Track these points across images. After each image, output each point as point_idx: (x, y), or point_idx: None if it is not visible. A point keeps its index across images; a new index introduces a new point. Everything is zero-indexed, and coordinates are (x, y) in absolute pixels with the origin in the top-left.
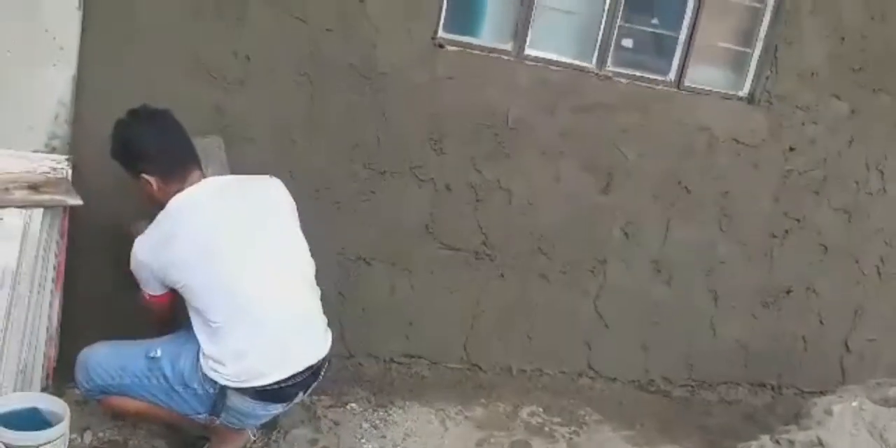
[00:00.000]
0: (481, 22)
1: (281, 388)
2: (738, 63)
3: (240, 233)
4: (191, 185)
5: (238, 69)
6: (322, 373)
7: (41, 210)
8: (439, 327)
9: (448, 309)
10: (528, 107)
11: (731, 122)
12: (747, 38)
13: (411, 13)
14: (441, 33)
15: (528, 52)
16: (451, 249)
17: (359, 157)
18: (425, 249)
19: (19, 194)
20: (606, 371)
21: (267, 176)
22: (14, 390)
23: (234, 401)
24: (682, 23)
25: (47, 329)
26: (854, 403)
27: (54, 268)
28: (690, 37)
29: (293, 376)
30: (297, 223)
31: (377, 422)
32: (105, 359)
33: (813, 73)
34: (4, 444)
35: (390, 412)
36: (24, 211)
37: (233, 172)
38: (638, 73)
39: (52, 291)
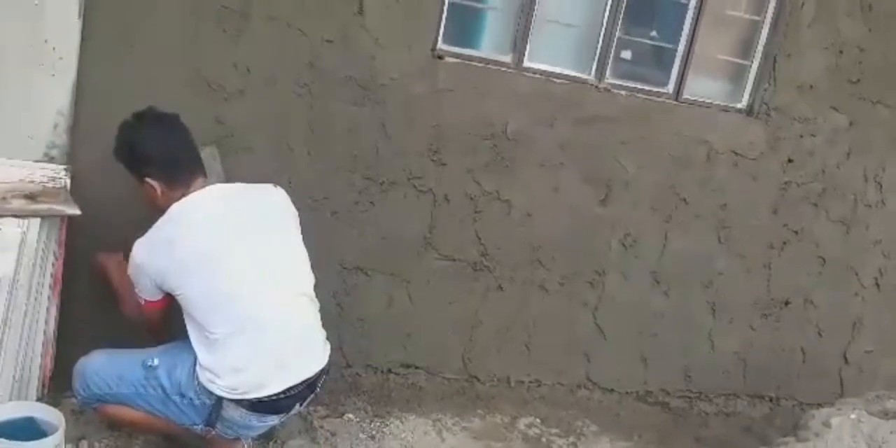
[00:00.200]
0: (481, 34)
1: (277, 400)
2: (736, 75)
3: (241, 242)
4: (195, 191)
5: (238, 80)
6: (319, 385)
7: (38, 219)
8: (437, 338)
9: (446, 320)
10: (527, 118)
11: (729, 135)
12: (746, 50)
13: (411, 25)
14: (440, 45)
15: (528, 64)
16: (449, 260)
17: (358, 167)
18: (424, 260)
19: (17, 204)
20: (605, 382)
21: (270, 184)
22: (10, 399)
23: (231, 412)
24: (680, 35)
25: (44, 338)
26: (852, 416)
27: (51, 277)
28: (689, 49)
29: (290, 389)
30: (299, 233)
31: (374, 432)
32: (102, 367)
33: (811, 86)
34: None
35: (387, 423)
36: (21, 220)
37: (230, 182)
38: (637, 86)
39: (49, 300)
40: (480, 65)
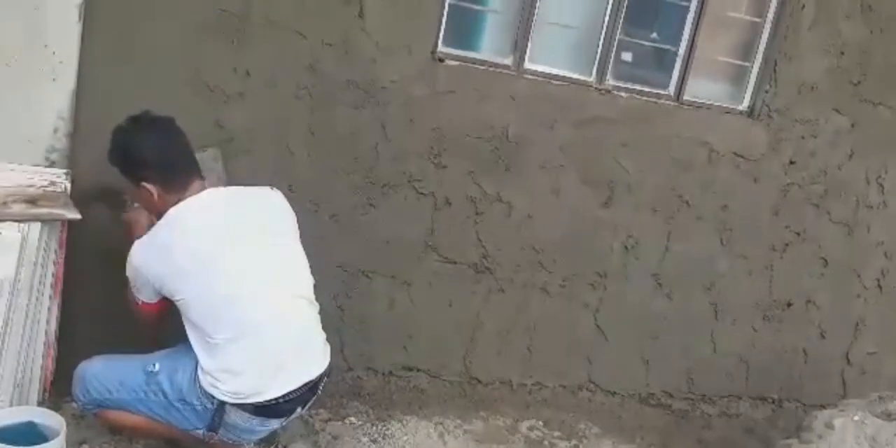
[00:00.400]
0: (481, 36)
1: (279, 403)
2: (737, 77)
3: (238, 246)
4: (192, 194)
5: (238, 83)
6: (320, 388)
7: (39, 224)
8: (439, 341)
9: (448, 322)
10: (527, 121)
11: (730, 136)
12: (747, 52)
13: (411, 27)
14: (441, 47)
15: (528, 66)
16: (450, 263)
17: (358, 170)
18: (425, 263)
19: (17, 208)
20: (607, 384)
21: (268, 187)
22: (11, 404)
23: (233, 416)
24: (681, 37)
25: (45, 342)
26: (856, 417)
27: (52, 281)
28: (690, 51)
29: (291, 392)
30: (298, 236)
31: (376, 435)
32: (102, 373)
33: (812, 87)
34: None
35: (389, 426)
36: (21, 225)
37: (230, 185)
38: (638, 87)
39: (49, 305)
40: (481, 67)
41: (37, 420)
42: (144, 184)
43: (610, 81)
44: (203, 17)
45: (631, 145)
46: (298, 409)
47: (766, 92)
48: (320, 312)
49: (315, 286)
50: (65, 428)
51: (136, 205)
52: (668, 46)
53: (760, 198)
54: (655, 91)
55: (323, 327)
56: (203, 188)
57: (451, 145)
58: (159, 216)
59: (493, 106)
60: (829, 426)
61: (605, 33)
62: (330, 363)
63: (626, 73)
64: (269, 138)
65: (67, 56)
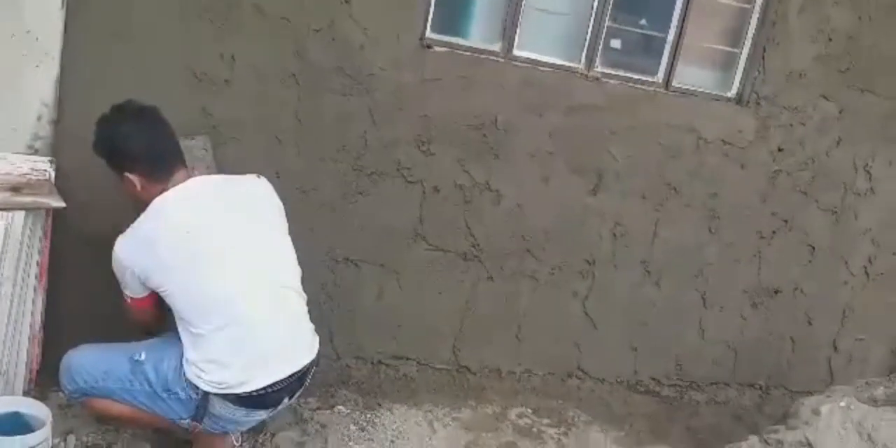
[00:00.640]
0: (469, 23)
1: (265, 394)
2: (726, 64)
3: (224, 236)
4: (175, 184)
5: (224, 70)
6: (308, 379)
7: (23, 212)
8: (428, 329)
9: (436, 310)
10: (516, 108)
11: (719, 123)
12: (735, 38)
13: (399, 14)
14: (429, 34)
15: (517, 52)
16: (439, 251)
17: (346, 158)
18: (414, 251)
19: (1, 196)
20: (595, 372)
21: (254, 175)
22: None
23: (217, 407)
24: (670, 23)
25: (30, 332)
26: (842, 403)
27: (37, 270)
28: (679, 37)
29: (277, 383)
30: (285, 225)
31: (365, 424)
32: (89, 361)
33: (801, 74)
34: None
35: (378, 414)
36: (5, 213)
37: (219, 173)
38: (626, 74)
39: (35, 294)
40: (469, 54)
41: (22, 410)
42: (128, 174)
43: (599, 68)
44: (189, 3)
45: (619, 132)
46: (286, 400)
47: (755, 79)
48: (308, 302)
49: (303, 276)
50: (51, 418)
51: None
52: (656, 33)
53: (748, 185)
54: (644, 78)
55: (311, 316)
56: (188, 177)
57: (439, 133)
58: (144, 206)
59: (482, 93)
60: (816, 412)
61: (594, 20)
62: (318, 354)
63: (614, 59)
64: (256, 126)
65: (51, 42)
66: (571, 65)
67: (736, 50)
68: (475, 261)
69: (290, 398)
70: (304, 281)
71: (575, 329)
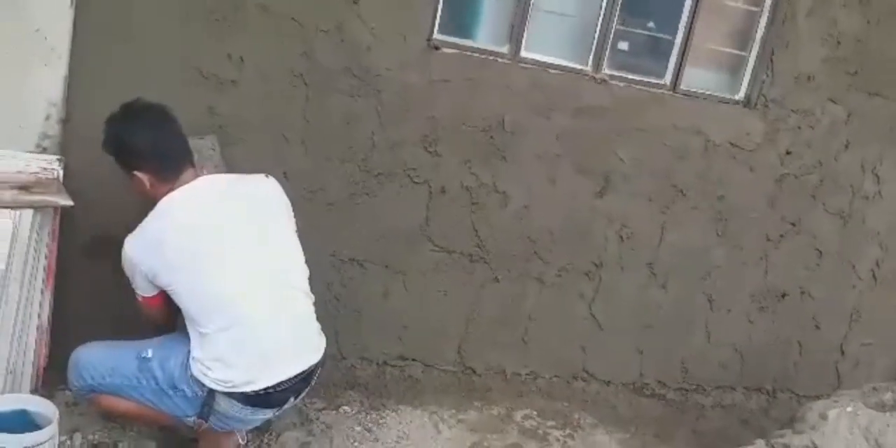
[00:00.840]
0: (477, 24)
1: (271, 393)
2: (734, 67)
3: (231, 236)
4: (184, 183)
5: (232, 70)
6: (314, 379)
7: (31, 211)
8: (433, 330)
9: (442, 312)
10: (523, 109)
11: (726, 126)
12: (743, 41)
13: (406, 15)
14: (437, 35)
15: (524, 54)
16: (445, 252)
17: (353, 159)
18: (420, 252)
19: (9, 195)
20: (601, 374)
21: (262, 175)
22: (3, 392)
23: (223, 405)
24: (678, 26)
25: (37, 330)
26: (849, 408)
27: (45, 268)
28: (686, 40)
29: (283, 382)
30: (293, 224)
31: (370, 425)
32: (96, 358)
33: (809, 77)
34: None
35: (383, 415)
36: (13, 212)
37: (226, 173)
38: (634, 77)
39: (42, 292)
40: (477, 55)
41: (29, 408)
42: (136, 173)
43: (606, 70)
44: (197, 2)
45: (627, 135)
46: (291, 400)
47: (763, 82)
48: (315, 302)
49: (309, 275)
50: (58, 416)
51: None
52: (664, 35)
53: (756, 188)
54: (652, 80)
55: (317, 316)
56: (196, 176)
57: (446, 134)
58: (153, 204)
59: (489, 95)
60: (823, 417)
61: (602, 22)
62: (324, 354)
63: (622, 62)
64: (264, 126)
65: (60, 41)
66: (579, 67)
67: (744, 53)
68: (481, 262)
69: (296, 398)
70: (310, 281)
71: (581, 331)
